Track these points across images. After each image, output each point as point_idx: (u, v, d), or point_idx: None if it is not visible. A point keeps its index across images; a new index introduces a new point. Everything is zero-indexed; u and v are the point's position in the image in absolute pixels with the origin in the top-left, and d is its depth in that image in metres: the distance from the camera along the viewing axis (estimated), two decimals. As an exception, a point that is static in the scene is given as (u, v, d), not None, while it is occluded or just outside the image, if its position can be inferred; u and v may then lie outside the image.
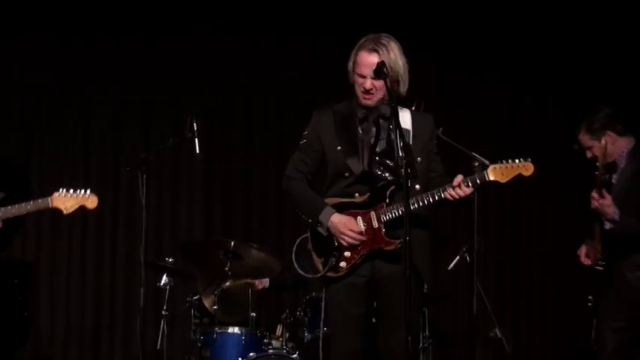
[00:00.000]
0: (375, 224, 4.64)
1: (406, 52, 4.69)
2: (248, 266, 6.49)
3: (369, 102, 4.69)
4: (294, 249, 4.77)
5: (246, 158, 8.30)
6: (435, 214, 7.96)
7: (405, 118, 4.70)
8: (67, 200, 4.99)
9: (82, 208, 5.06)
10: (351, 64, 4.72)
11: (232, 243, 6.38)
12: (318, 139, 4.78)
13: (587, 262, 5.80)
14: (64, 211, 5.02)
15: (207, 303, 6.72)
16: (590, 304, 5.75)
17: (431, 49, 8.20)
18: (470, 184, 4.51)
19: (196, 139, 6.16)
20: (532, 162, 4.54)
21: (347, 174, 4.69)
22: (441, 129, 5.77)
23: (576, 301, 7.96)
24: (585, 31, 8.34)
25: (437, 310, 7.57)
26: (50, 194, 5.05)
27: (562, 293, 8.31)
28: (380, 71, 4.52)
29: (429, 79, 8.12)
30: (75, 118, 8.11)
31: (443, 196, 4.52)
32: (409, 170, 4.24)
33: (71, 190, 5.02)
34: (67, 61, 8.10)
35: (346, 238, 4.63)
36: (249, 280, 6.71)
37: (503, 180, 4.53)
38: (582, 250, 5.84)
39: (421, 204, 4.58)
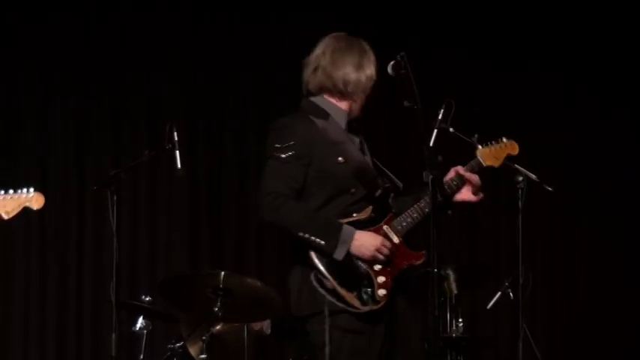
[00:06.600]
0: (395, 239, 4.71)
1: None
2: (242, 305, 6.21)
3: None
4: None
5: (240, 174, 8.26)
6: (472, 245, 7.96)
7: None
8: (6, 203, 4.93)
9: (26, 211, 4.97)
10: (373, 71, 4.87)
11: (222, 275, 6.10)
12: (309, 150, 4.74)
13: None
14: (5, 216, 4.93)
15: (192, 351, 6.63)
16: None
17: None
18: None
19: (177, 152, 6.11)
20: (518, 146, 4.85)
21: (353, 190, 4.72)
22: (476, 136, 5.74)
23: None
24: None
25: (474, 358, 7.50)
26: None
27: (630, 339, 8.31)
28: None
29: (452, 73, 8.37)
30: (29, 126, 8.02)
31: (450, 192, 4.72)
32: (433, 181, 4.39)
33: (10, 191, 4.95)
34: (22, 59, 8.06)
35: (384, 249, 4.63)
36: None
37: (497, 164, 4.82)
38: None
39: (422, 214, 4.71)
